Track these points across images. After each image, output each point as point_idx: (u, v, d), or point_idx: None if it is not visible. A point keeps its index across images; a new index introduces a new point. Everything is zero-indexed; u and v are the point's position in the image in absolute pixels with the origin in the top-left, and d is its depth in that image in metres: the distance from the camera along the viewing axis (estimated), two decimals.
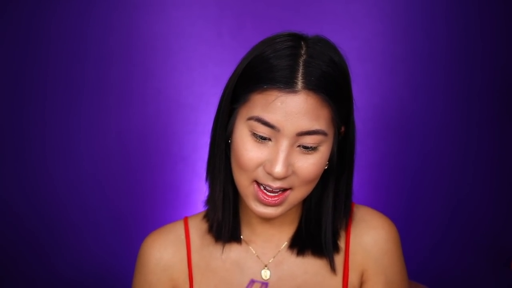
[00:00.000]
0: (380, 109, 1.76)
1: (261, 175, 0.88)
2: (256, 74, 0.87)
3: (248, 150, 0.87)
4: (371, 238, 1.00)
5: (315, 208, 0.98)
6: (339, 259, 1.00)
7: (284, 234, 1.00)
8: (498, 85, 1.75)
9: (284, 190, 0.89)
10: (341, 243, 1.01)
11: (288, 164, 0.86)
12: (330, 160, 0.93)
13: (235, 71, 0.92)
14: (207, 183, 0.99)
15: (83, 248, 1.71)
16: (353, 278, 1.00)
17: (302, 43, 0.89)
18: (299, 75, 0.85)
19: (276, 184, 0.88)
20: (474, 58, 1.75)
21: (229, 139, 0.93)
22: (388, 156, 1.78)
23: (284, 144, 0.85)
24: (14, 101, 1.67)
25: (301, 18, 1.70)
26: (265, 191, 0.89)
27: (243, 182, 0.90)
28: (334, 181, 0.96)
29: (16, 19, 1.64)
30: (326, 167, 0.93)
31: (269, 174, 0.87)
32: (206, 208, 1.03)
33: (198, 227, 1.03)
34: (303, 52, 0.87)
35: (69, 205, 1.70)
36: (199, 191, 1.66)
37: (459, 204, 1.78)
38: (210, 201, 0.99)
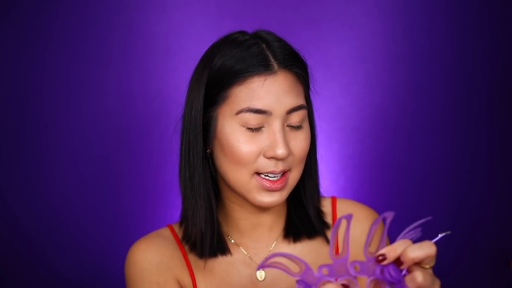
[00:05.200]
0: (380, 109, 1.76)
1: (262, 163, 0.90)
2: (229, 70, 0.89)
3: (244, 143, 0.89)
4: (358, 230, 1.01)
5: (296, 193, 0.99)
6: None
7: (273, 233, 1.01)
8: (498, 85, 1.75)
9: (283, 173, 0.91)
10: (329, 235, 1.01)
11: (287, 143, 0.89)
12: None
13: (196, 82, 0.94)
14: (183, 200, 0.96)
15: (83, 248, 1.71)
16: None
17: (252, 35, 0.93)
18: (271, 57, 0.89)
19: (279, 168, 0.90)
20: (474, 57, 1.75)
21: (208, 148, 0.94)
22: (388, 156, 1.77)
23: (278, 125, 0.89)
24: (15, 101, 1.67)
25: (301, 18, 1.70)
26: (268, 178, 0.90)
27: (243, 178, 0.91)
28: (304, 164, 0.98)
29: (17, 18, 1.64)
30: None
31: (272, 158, 0.89)
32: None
33: None
34: (260, 40, 0.91)
35: (70, 206, 1.70)
36: None
37: (459, 205, 1.78)
38: (188, 219, 0.97)
